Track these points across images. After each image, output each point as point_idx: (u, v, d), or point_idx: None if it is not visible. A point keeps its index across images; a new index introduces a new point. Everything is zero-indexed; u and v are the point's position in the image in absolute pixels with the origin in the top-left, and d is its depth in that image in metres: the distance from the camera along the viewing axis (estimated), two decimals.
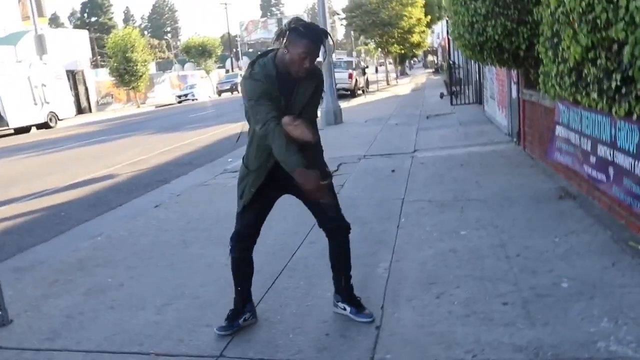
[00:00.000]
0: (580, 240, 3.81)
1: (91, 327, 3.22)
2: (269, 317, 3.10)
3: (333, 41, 2.66)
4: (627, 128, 3.52)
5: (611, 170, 3.93)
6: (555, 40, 4.15)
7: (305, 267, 3.78)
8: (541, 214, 4.52)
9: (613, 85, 3.25)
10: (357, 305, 2.99)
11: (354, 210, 5.09)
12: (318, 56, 2.59)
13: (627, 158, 3.59)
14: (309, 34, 2.52)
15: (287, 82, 2.63)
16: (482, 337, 2.65)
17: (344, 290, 3.03)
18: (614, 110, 3.41)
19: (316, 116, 2.85)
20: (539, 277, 3.26)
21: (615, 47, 3.18)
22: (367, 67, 33.61)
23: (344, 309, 3.00)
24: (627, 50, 2.96)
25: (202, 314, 3.24)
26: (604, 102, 3.47)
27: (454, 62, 15.35)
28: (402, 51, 32.05)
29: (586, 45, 3.46)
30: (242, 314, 3.00)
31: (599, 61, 3.40)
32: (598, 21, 3.23)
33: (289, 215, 4.58)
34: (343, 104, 15.79)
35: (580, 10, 3.39)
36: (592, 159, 4.29)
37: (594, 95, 3.57)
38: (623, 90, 3.20)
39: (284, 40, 2.56)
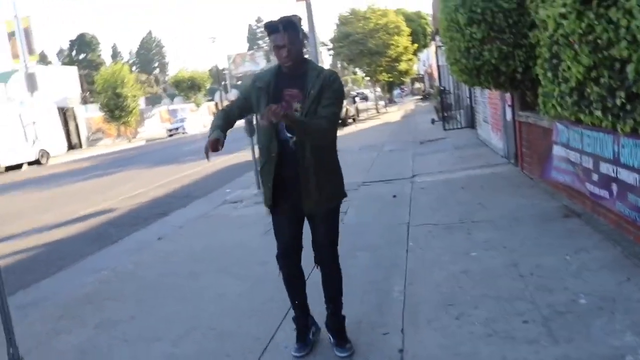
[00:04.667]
0: (592, 256, 3.84)
1: None
2: (289, 345, 3.06)
3: (300, 28, 2.74)
4: (632, 144, 3.58)
5: (614, 187, 3.98)
6: (555, 61, 4.25)
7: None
8: (549, 232, 4.54)
9: (618, 102, 3.32)
10: (338, 338, 2.95)
11: (362, 237, 5.10)
12: (288, 44, 2.67)
13: (631, 174, 3.65)
14: (268, 29, 2.72)
15: (292, 82, 2.77)
16: (508, 355, 2.64)
17: (330, 319, 3.00)
18: (619, 127, 3.48)
19: (334, 117, 2.75)
20: (556, 295, 3.27)
21: (617, 65, 3.27)
22: (356, 95, 33.91)
23: (329, 339, 3.00)
24: (630, 68, 3.04)
25: (221, 344, 3.20)
26: (609, 119, 3.54)
27: (444, 88, 15.59)
28: (391, 79, 32.51)
29: (588, 65, 3.55)
30: (309, 330, 3.03)
31: (602, 80, 3.48)
32: (599, 41, 3.33)
33: None
34: None
35: (581, 31, 3.49)
36: (595, 177, 4.35)
37: (598, 113, 3.64)
38: (628, 107, 3.28)
39: None
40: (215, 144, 2.75)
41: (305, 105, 2.72)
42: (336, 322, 2.99)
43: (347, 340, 2.94)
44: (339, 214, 3.00)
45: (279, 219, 2.92)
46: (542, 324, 2.92)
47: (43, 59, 65.21)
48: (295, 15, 2.75)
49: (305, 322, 3.05)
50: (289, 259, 2.95)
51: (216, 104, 57.51)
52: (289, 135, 2.75)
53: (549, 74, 4.44)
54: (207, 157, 2.80)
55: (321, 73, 2.77)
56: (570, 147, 4.84)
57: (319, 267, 2.99)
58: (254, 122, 8.54)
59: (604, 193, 4.20)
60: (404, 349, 2.86)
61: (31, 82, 27.58)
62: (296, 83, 2.75)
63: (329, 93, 2.72)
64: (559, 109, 4.43)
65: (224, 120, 2.91)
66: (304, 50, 2.84)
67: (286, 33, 2.66)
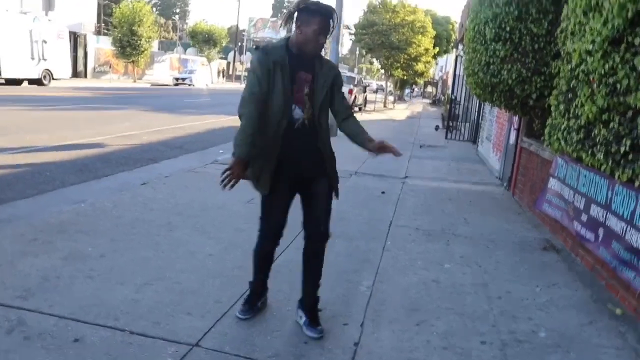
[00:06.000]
0: (561, 293, 3.87)
1: (67, 292, 3.17)
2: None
3: (339, 18, 2.78)
4: (625, 193, 3.60)
5: (601, 231, 4.01)
6: (570, 95, 4.24)
7: (289, 271, 3.75)
8: (524, 261, 4.58)
9: (621, 149, 3.33)
10: (311, 318, 2.95)
11: (342, 225, 5.10)
12: (330, 32, 2.69)
13: (619, 222, 3.67)
14: (320, 11, 2.63)
15: (302, 65, 2.74)
16: None
17: (307, 298, 3.00)
18: (617, 174, 3.49)
19: (347, 108, 3.02)
20: (518, 323, 3.30)
21: (630, 113, 3.26)
22: (368, 85, 33.75)
23: (300, 318, 3.00)
24: None
25: (182, 300, 3.20)
26: (609, 164, 3.54)
27: (455, 97, 15.54)
28: (405, 77, 32.33)
29: (601, 106, 3.54)
30: (260, 298, 3.12)
31: (611, 124, 3.48)
32: (618, 85, 3.31)
33: None
34: None
35: (602, 72, 3.48)
36: (583, 217, 4.38)
37: (600, 155, 3.65)
38: (630, 157, 3.28)
39: (296, 21, 2.67)
40: (243, 169, 2.70)
41: (316, 90, 2.77)
42: (314, 301, 2.99)
43: (319, 323, 2.94)
44: None
45: (273, 200, 2.84)
46: (498, 348, 2.95)
47: None
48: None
49: (261, 291, 3.13)
50: (276, 239, 2.95)
51: (228, 64, 57.18)
52: (298, 115, 2.77)
53: (561, 107, 4.43)
54: (228, 183, 2.67)
55: (328, 63, 2.83)
56: (566, 183, 4.86)
57: (310, 243, 2.95)
58: None
59: (589, 235, 4.23)
60: (359, 343, 2.88)
61: (48, 1, 27.09)
62: (307, 68, 2.76)
63: (339, 87, 2.88)
64: (562, 143, 4.43)
65: (257, 119, 2.66)
66: None
67: (333, 23, 2.67)
